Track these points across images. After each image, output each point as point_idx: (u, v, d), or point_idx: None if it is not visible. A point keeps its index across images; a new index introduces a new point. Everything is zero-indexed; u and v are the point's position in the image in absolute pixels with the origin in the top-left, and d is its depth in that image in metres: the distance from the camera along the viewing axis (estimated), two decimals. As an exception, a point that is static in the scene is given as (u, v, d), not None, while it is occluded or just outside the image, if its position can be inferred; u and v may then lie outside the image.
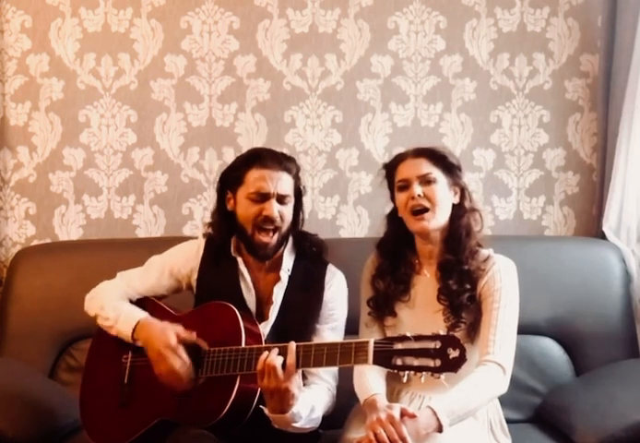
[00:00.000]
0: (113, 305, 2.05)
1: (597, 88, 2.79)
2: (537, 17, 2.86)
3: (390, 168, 2.09)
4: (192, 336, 1.92)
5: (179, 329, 1.93)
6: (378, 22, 2.84)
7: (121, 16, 2.82)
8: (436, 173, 2.01)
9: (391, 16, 2.84)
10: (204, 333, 1.94)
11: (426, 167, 2.01)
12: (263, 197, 2.00)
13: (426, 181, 2.00)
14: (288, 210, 2.04)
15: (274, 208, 1.99)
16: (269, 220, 2.00)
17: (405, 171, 2.03)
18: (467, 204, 2.06)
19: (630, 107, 2.63)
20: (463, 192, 2.06)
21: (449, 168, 2.04)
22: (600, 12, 2.76)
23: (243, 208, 2.02)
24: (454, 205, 2.04)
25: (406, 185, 2.02)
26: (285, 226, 2.04)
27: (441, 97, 2.86)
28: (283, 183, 2.02)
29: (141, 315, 2.02)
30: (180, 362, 1.88)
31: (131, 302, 2.11)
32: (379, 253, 2.13)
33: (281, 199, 2.02)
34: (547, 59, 2.86)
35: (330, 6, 2.83)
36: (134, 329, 1.98)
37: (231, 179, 2.07)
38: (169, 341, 1.89)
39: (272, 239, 2.01)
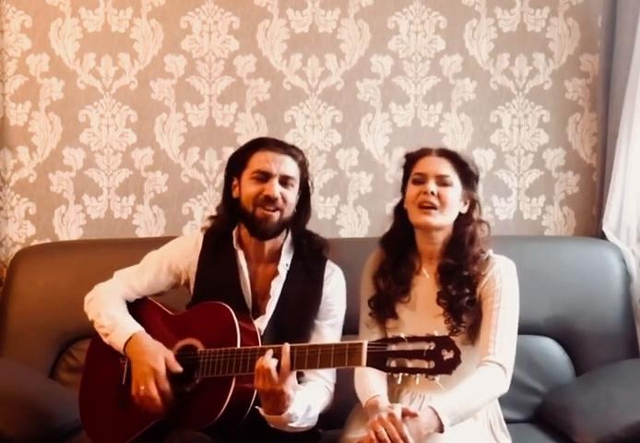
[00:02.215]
0: (110, 313, 2.03)
1: (597, 88, 2.79)
2: (537, 17, 2.86)
3: (410, 159, 2.08)
4: (177, 368, 1.89)
5: (169, 355, 1.91)
6: (378, 22, 2.84)
7: (121, 16, 2.82)
8: (454, 178, 2.01)
9: (391, 16, 2.84)
10: (199, 333, 1.94)
11: (446, 169, 2.01)
12: (265, 176, 2.00)
13: (443, 182, 2.00)
14: (291, 193, 2.03)
15: (275, 188, 1.99)
16: (270, 200, 1.99)
17: (425, 165, 2.03)
18: (475, 215, 2.06)
19: (630, 107, 2.63)
20: (473, 204, 2.06)
21: (467, 176, 2.04)
22: (600, 12, 2.76)
23: (246, 189, 2.02)
24: (460, 214, 2.04)
25: (421, 180, 2.01)
26: (287, 209, 2.03)
27: (441, 97, 2.86)
28: (287, 165, 2.02)
29: (134, 329, 1.99)
30: (158, 391, 1.86)
31: (129, 303, 2.11)
32: (383, 248, 2.12)
33: (284, 181, 2.01)
34: (547, 59, 2.86)
35: (330, 6, 2.83)
36: (125, 344, 1.96)
37: (236, 164, 2.08)
38: (156, 367, 1.87)
39: (274, 214, 2.00)
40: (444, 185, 2.00)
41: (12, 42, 2.81)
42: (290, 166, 2.03)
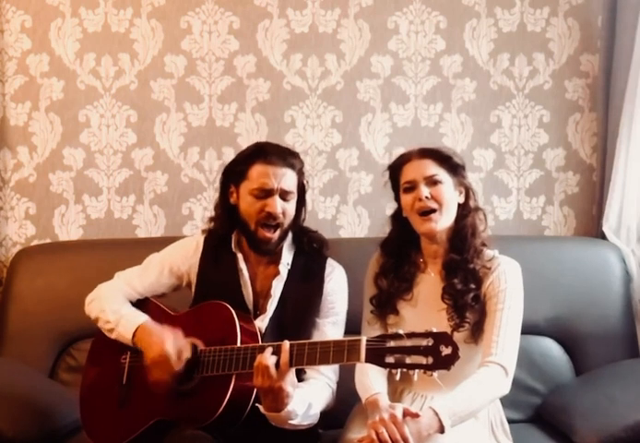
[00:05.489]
0: (114, 308, 2.04)
1: (597, 88, 2.79)
2: (537, 17, 2.86)
3: (394, 169, 2.08)
4: (186, 353, 1.90)
5: (178, 335, 1.91)
6: (378, 22, 2.84)
7: (121, 16, 2.82)
8: (442, 174, 2.01)
9: (391, 16, 2.84)
10: (200, 332, 1.94)
11: (432, 168, 2.01)
12: (266, 194, 2.00)
13: (432, 182, 1.99)
14: (290, 207, 2.04)
15: (277, 204, 1.99)
16: (272, 216, 1.99)
17: (411, 172, 2.02)
18: (471, 203, 2.05)
19: (630, 107, 2.63)
20: (467, 192, 2.06)
21: (454, 168, 2.04)
22: (600, 12, 2.76)
23: (247, 203, 2.02)
24: (459, 204, 2.04)
25: (412, 187, 2.01)
26: (287, 222, 2.04)
27: (441, 97, 2.86)
28: (287, 179, 2.01)
29: (141, 319, 2.00)
30: (169, 374, 1.87)
31: (131, 302, 2.11)
32: (383, 252, 2.12)
33: (284, 196, 2.01)
34: (547, 59, 2.86)
35: (330, 6, 2.83)
36: (134, 334, 1.97)
37: (234, 173, 2.07)
38: (166, 350, 1.87)
39: (274, 235, 2.01)
40: (435, 185, 1.99)
41: (12, 42, 2.82)
42: (290, 180, 2.02)
